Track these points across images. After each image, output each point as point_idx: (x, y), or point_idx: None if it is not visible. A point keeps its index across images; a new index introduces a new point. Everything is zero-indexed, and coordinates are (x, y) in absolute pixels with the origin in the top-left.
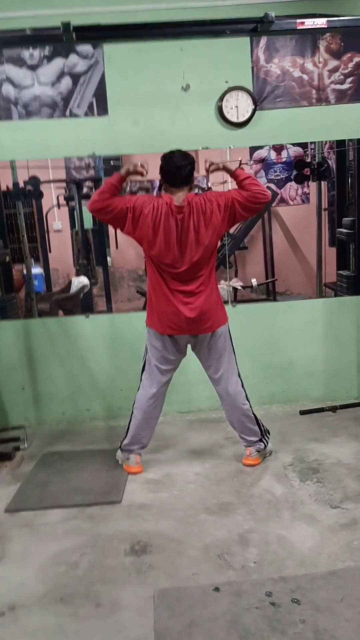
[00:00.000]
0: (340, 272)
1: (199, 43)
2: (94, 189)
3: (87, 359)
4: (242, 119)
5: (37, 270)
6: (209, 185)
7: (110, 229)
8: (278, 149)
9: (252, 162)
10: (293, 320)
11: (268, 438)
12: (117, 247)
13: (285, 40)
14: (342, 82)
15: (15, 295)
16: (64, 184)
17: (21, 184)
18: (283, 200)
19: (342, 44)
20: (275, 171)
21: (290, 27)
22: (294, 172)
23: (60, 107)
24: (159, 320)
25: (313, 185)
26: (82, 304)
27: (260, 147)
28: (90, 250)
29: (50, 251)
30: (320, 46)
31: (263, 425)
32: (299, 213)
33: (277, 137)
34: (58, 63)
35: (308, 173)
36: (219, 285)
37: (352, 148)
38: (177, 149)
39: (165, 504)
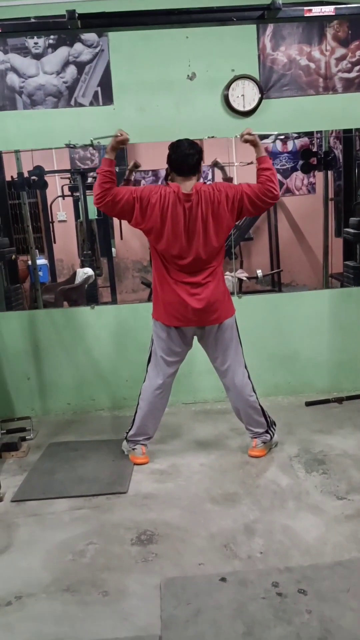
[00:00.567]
0: (346, 262)
1: (205, 31)
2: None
3: (93, 349)
4: (248, 107)
5: (41, 261)
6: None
7: (115, 219)
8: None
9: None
10: (299, 311)
11: (274, 430)
12: (121, 237)
13: (292, 28)
14: (349, 71)
15: (21, 286)
16: (68, 174)
17: (26, 174)
18: (289, 191)
19: (350, 31)
20: (281, 160)
21: (297, 14)
22: (300, 162)
23: (65, 96)
24: (165, 312)
25: (319, 175)
26: (87, 295)
27: (266, 137)
28: (95, 240)
29: (54, 242)
30: (327, 34)
31: (269, 417)
32: (305, 203)
33: (283, 126)
34: (63, 52)
35: (314, 163)
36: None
37: (358, 137)
38: (184, 138)
39: (171, 494)
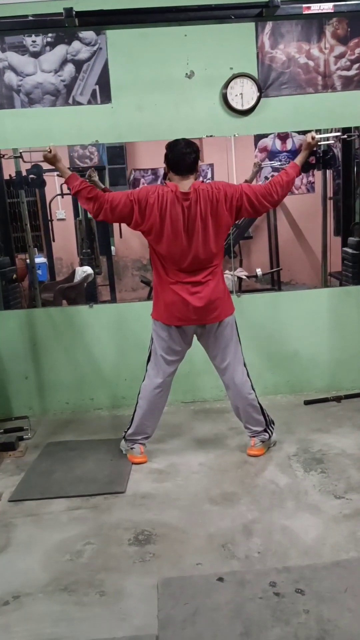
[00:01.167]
0: (345, 261)
1: (204, 29)
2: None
3: (91, 348)
4: (247, 106)
5: (40, 259)
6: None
7: None
8: (283, 137)
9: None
10: (298, 309)
11: (273, 428)
12: (121, 236)
13: (290, 26)
14: (348, 69)
15: (19, 284)
16: None
17: (24, 173)
18: None
19: (349, 29)
20: (280, 159)
21: (295, 12)
22: None
23: (63, 95)
24: (165, 311)
25: (318, 173)
26: (86, 294)
27: (265, 136)
28: (94, 239)
29: (53, 240)
30: (326, 31)
31: (268, 416)
32: (304, 202)
33: (282, 125)
34: (61, 50)
35: (313, 161)
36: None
37: (358, 136)
38: (182, 138)
39: (170, 494)
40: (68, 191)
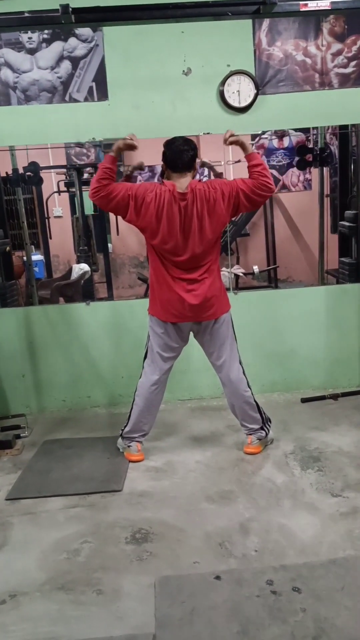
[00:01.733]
0: (342, 259)
1: (200, 25)
2: (94, 175)
3: (88, 346)
4: (244, 103)
5: (37, 256)
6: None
7: (112, 215)
8: (280, 134)
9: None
10: (295, 307)
11: (269, 426)
12: (118, 233)
13: (288, 23)
14: (345, 66)
15: (16, 282)
16: (64, 170)
17: (20, 170)
18: (285, 187)
19: (346, 26)
20: (277, 157)
21: (293, 9)
22: (296, 158)
23: (59, 92)
24: (161, 307)
25: (315, 171)
26: (83, 291)
27: (263, 133)
28: (91, 236)
29: (50, 237)
30: (323, 29)
31: (264, 413)
32: (301, 199)
33: (279, 122)
34: (57, 47)
35: (310, 159)
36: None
37: (354, 133)
38: (179, 136)
39: (167, 492)
40: (65, 188)
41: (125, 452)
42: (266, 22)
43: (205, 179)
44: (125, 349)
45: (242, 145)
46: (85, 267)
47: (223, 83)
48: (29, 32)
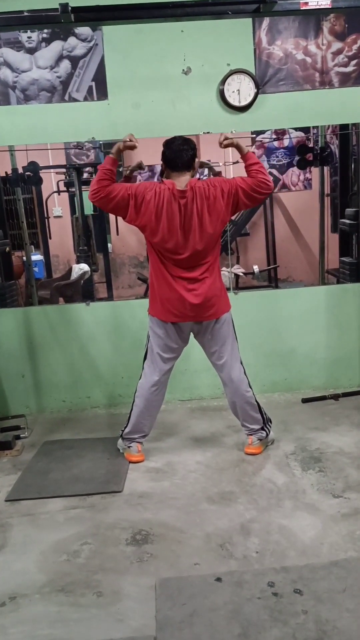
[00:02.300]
0: (342, 258)
1: (200, 24)
2: (94, 175)
3: (88, 346)
4: (244, 102)
5: (37, 256)
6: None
7: (111, 215)
8: (280, 133)
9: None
10: (295, 307)
11: (270, 426)
12: (117, 233)
13: (288, 22)
14: (346, 65)
15: (16, 282)
16: (64, 170)
17: (20, 170)
18: (285, 186)
19: (347, 25)
20: (277, 156)
21: (293, 7)
22: (297, 157)
23: (59, 91)
24: (162, 307)
25: (315, 170)
26: (83, 291)
27: (262, 132)
28: (91, 236)
29: (50, 237)
30: (324, 27)
31: (265, 414)
32: (301, 199)
33: (279, 122)
34: (57, 46)
35: (311, 158)
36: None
37: (355, 132)
38: (179, 135)
39: (167, 493)
40: (64, 188)
41: (125, 453)
42: (266, 21)
43: (204, 179)
44: (125, 349)
45: (237, 147)
46: (85, 267)
47: (223, 82)
48: (29, 31)
